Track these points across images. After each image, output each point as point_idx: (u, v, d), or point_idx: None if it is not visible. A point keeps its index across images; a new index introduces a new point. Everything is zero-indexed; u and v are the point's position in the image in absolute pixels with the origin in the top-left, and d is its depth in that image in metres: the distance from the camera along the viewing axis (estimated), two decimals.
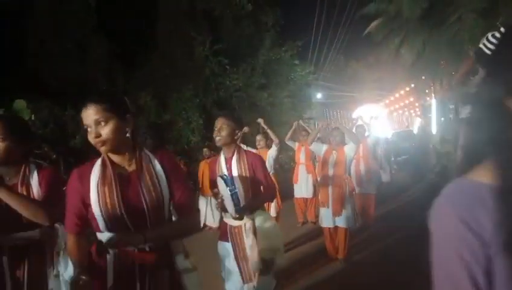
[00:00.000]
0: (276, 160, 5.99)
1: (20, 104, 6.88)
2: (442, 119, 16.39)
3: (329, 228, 5.10)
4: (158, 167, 1.73)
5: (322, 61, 26.10)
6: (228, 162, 2.86)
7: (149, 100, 9.87)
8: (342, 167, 5.00)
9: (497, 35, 1.91)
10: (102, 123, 1.60)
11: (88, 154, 2.04)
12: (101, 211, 1.63)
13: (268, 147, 5.84)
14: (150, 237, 1.62)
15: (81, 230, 1.72)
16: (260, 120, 6.02)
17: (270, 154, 5.67)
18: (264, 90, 13.11)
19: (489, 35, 1.95)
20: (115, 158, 1.71)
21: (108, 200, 1.63)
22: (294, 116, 13.42)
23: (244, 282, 2.73)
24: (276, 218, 5.43)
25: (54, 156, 6.73)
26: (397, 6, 14.25)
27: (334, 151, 5.06)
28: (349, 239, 5.19)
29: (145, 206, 1.65)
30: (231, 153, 2.85)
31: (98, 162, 1.72)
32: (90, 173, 1.69)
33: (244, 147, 5.56)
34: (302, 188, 7.03)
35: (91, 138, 1.61)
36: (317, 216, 6.66)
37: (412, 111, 30.07)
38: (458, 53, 10.91)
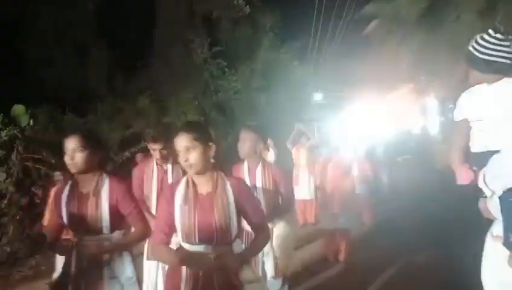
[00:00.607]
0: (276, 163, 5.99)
1: (19, 109, 6.86)
2: (443, 119, 16.37)
3: (331, 230, 5.10)
4: (230, 192, 2.02)
5: (321, 63, 26.09)
6: (251, 172, 3.02)
7: (148, 103, 9.86)
8: (341, 169, 5.00)
9: (486, 37, 1.90)
10: (191, 149, 1.95)
11: None
12: (181, 227, 1.98)
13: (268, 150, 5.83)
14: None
15: (168, 241, 2.05)
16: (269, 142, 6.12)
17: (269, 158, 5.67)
18: (263, 92, 13.09)
19: (478, 37, 1.94)
20: (197, 179, 2.05)
21: (186, 217, 1.97)
22: (293, 118, 13.39)
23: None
24: None
25: (53, 161, 6.74)
26: (396, 7, 14.25)
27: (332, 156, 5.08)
28: (350, 240, 5.19)
29: (214, 225, 1.95)
30: (255, 164, 3.02)
31: (184, 181, 2.06)
32: (176, 189, 2.05)
33: None
34: (304, 190, 7.00)
35: (181, 161, 1.98)
36: (317, 218, 6.65)
37: (411, 111, 30.05)
38: (457, 53, 10.89)
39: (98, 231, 2.29)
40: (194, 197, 2.00)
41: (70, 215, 2.28)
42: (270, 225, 2.79)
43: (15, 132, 6.51)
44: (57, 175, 4.79)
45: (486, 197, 1.93)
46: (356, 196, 6.28)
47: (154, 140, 3.13)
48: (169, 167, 3.20)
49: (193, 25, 12.44)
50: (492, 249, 1.87)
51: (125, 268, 2.29)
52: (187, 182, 2.04)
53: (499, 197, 1.80)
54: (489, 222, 1.97)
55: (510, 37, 1.90)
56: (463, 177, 2.04)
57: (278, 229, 2.94)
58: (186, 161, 1.95)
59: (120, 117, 9.47)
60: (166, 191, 2.13)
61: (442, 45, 12.25)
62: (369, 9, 16.90)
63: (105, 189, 2.30)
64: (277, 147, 5.89)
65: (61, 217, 2.32)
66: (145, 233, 2.39)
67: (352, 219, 5.13)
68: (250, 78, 12.57)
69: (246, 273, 1.99)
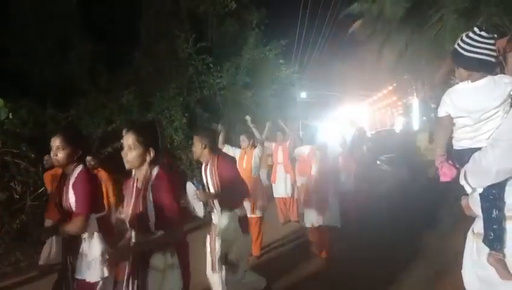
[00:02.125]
0: (263, 159, 5.98)
1: None
2: (424, 118, 16.65)
3: (313, 227, 5.13)
4: (149, 190, 2.29)
5: (307, 61, 26.22)
6: (204, 170, 3.55)
7: (132, 99, 9.72)
8: (325, 167, 5.03)
9: (471, 35, 1.93)
10: (132, 149, 2.29)
11: None
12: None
13: (254, 146, 5.81)
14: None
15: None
16: (248, 118, 6.08)
17: (256, 154, 5.64)
18: (248, 89, 13.06)
19: (464, 35, 1.97)
20: (136, 173, 2.41)
21: (124, 204, 2.44)
22: (278, 115, 13.42)
23: (212, 271, 3.35)
24: (261, 218, 5.41)
25: (33, 155, 6.60)
26: (380, 7, 14.39)
27: (317, 152, 5.10)
28: (332, 237, 5.23)
29: (135, 217, 2.31)
30: (205, 162, 3.56)
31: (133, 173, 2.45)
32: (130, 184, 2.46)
33: (227, 147, 5.55)
34: (281, 188, 7.05)
35: (123, 154, 2.33)
36: (299, 215, 6.69)
37: (394, 110, 30.47)
38: (439, 53, 11.07)
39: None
40: (132, 188, 2.40)
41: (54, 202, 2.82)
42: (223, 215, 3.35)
43: None
44: (46, 158, 4.99)
45: (468, 194, 1.96)
46: (339, 193, 6.34)
47: None
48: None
49: (178, 20, 12.32)
50: (473, 247, 1.90)
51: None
52: (133, 175, 2.44)
53: (479, 195, 1.82)
54: (471, 218, 2.00)
55: (495, 35, 1.93)
56: (445, 174, 2.07)
57: (222, 220, 3.36)
58: (125, 156, 2.31)
59: (103, 112, 9.32)
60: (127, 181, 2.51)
61: (425, 44, 12.43)
62: (354, 8, 17.02)
63: (72, 178, 2.67)
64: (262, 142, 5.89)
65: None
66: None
67: (336, 217, 5.17)
68: (235, 75, 12.52)
69: (155, 259, 2.24)
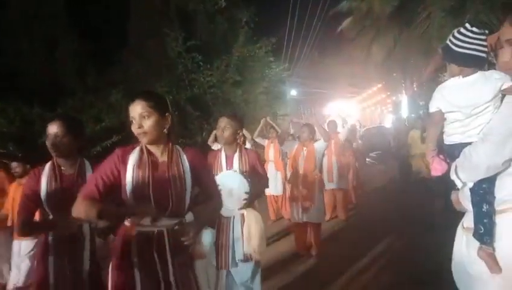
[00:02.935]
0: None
1: None
2: (413, 115, 16.78)
3: (299, 223, 5.14)
4: (186, 161, 2.02)
5: (296, 58, 26.25)
6: (229, 159, 3.12)
7: (120, 97, 9.64)
8: (311, 163, 5.04)
9: (463, 31, 1.94)
10: (146, 117, 1.91)
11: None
12: (133, 191, 1.92)
13: (244, 143, 5.77)
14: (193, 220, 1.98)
15: (96, 198, 1.92)
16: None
17: None
18: (238, 86, 13.03)
19: (455, 31, 1.99)
20: (152, 148, 2.01)
21: (140, 182, 1.92)
22: (268, 113, 13.42)
23: (218, 268, 3.02)
24: None
25: (20, 154, 6.50)
26: (369, 4, 14.47)
27: (304, 148, 5.10)
28: (320, 234, 5.25)
29: (169, 192, 1.93)
30: (232, 151, 3.14)
31: (138, 148, 2.01)
32: (129, 155, 1.99)
33: (216, 145, 5.56)
34: (271, 185, 7.01)
35: (134, 128, 1.92)
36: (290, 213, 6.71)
37: (384, 108, 30.68)
38: (427, 50, 11.17)
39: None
40: (149, 163, 1.96)
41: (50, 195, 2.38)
42: (240, 211, 3.01)
43: None
44: (14, 166, 4.53)
45: (458, 189, 1.98)
46: (328, 191, 6.37)
47: None
48: None
49: (168, 17, 12.25)
50: (462, 241, 1.91)
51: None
52: (141, 149, 2.01)
53: (470, 189, 1.84)
54: (459, 214, 2.02)
55: (486, 31, 1.95)
56: (436, 168, 2.09)
57: (249, 215, 3.02)
58: (139, 127, 1.91)
59: (91, 111, 9.23)
60: (116, 153, 2.01)
61: (413, 42, 12.52)
62: (344, 6, 17.09)
63: (90, 171, 2.48)
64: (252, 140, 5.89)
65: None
66: None
67: (321, 214, 5.18)
68: (225, 73, 12.48)
69: (198, 246, 2.12)
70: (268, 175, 6.94)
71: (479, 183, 1.78)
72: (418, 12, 11.64)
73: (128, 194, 1.93)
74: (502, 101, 1.81)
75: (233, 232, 3.00)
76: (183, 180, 1.98)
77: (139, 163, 1.97)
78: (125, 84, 10.10)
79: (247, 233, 2.96)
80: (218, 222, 3.03)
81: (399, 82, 19.28)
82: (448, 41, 2.01)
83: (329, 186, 6.42)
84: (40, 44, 10.21)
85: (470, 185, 1.84)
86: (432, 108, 2.09)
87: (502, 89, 1.81)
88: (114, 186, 1.96)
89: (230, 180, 2.96)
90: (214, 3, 13.15)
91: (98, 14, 11.49)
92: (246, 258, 2.98)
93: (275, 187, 6.99)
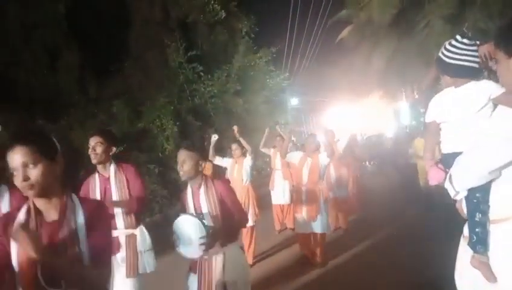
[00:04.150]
0: (253, 167, 5.95)
1: None
2: (414, 122, 16.79)
3: (304, 234, 5.12)
4: (81, 218, 1.61)
5: (297, 68, 26.38)
6: (195, 194, 2.75)
7: (122, 108, 9.69)
8: (316, 174, 5.04)
9: (454, 43, 1.97)
10: (31, 166, 1.52)
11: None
12: (19, 266, 1.52)
13: (245, 155, 5.76)
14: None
15: None
16: (234, 127, 5.84)
17: (246, 164, 5.63)
18: (239, 96, 13.11)
19: (447, 43, 2.02)
20: (41, 204, 1.61)
21: (25, 256, 1.47)
22: (270, 122, 13.45)
23: None
24: (253, 227, 5.41)
25: None
26: (368, 13, 14.55)
27: (308, 159, 5.11)
28: (325, 244, 5.23)
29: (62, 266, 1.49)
30: (197, 184, 2.75)
31: (23, 210, 1.61)
32: (12, 223, 1.57)
33: (218, 158, 5.56)
34: (279, 194, 6.96)
35: (18, 181, 1.52)
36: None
37: (384, 115, 30.68)
38: (427, 58, 11.21)
39: None
40: (37, 228, 1.57)
41: None
42: (221, 249, 2.63)
43: None
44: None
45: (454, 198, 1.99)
46: (331, 199, 6.36)
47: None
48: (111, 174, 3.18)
49: (168, 28, 12.35)
50: (463, 250, 1.91)
51: None
52: (28, 210, 1.61)
53: (464, 198, 1.85)
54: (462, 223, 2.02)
55: (477, 41, 1.97)
56: (433, 177, 2.10)
57: (230, 253, 2.70)
58: (25, 180, 1.51)
59: (93, 122, 9.27)
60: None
61: (413, 49, 12.58)
62: (343, 15, 17.20)
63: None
64: (253, 152, 5.85)
65: None
66: None
67: (326, 224, 5.16)
68: (226, 83, 12.56)
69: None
70: (276, 184, 6.97)
71: (472, 192, 1.78)
72: (417, 21, 11.73)
73: (16, 269, 1.54)
74: (493, 110, 1.83)
75: (213, 275, 2.65)
76: (76, 246, 1.57)
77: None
78: (126, 95, 10.17)
79: (231, 279, 2.63)
80: (199, 266, 2.68)
81: (399, 90, 19.33)
82: (440, 53, 2.04)
83: (329, 195, 6.41)
84: (41, 55, 10.27)
85: (464, 193, 1.84)
86: (428, 119, 2.14)
87: (492, 98, 1.83)
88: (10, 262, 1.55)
89: (186, 226, 2.54)
90: (214, 14, 13.28)
91: (98, 25, 11.57)
92: None
93: (282, 196, 6.90)
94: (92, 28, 11.27)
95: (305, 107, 31.03)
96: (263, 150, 6.94)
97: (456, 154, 1.87)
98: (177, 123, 10.68)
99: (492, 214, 1.72)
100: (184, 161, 2.67)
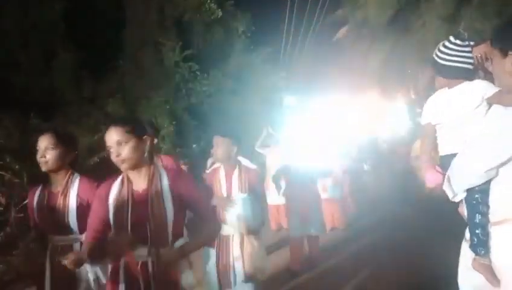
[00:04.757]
0: None
1: None
2: (410, 123, 16.80)
3: (297, 236, 5.07)
4: (166, 185, 1.92)
5: (294, 67, 26.36)
6: (228, 177, 3.00)
7: (117, 107, 9.63)
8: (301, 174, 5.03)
9: (447, 44, 1.97)
10: (123, 144, 1.86)
11: None
12: (114, 226, 1.93)
13: None
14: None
15: (99, 240, 1.97)
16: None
17: None
18: (236, 95, 13.06)
19: (440, 45, 2.03)
20: (132, 175, 1.95)
21: (119, 216, 1.90)
22: (266, 121, 13.41)
23: (223, 287, 2.93)
24: None
25: (17, 166, 6.48)
26: (365, 13, 14.56)
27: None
28: (320, 246, 5.22)
29: (147, 223, 1.86)
30: (231, 168, 3.02)
31: (118, 180, 1.99)
32: (109, 191, 1.97)
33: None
34: (275, 195, 6.89)
35: (113, 157, 1.87)
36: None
37: (381, 115, 30.70)
38: (423, 58, 11.22)
39: (66, 231, 2.30)
40: (128, 195, 1.91)
41: (40, 214, 2.34)
42: (242, 230, 2.87)
43: None
44: None
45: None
46: (326, 201, 6.34)
47: None
48: None
49: (164, 27, 12.29)
50: (465, 252, 1.90)
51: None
52: (122, 180, 1.97)
53: (464, 199, 1.84)
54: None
55: (471, 42, 1.99)
56: (430, 179, 2.10)
57: (250, 235, 2.92)
58: (117, 156, 1.85)
59: (88, 121, 9.21)
60: (100, 189, 2.03)
61: (409, 50, 12.60)
62: (340, 14, 17.20)
63: (75, 188, 2.33)
64: (249, 151, 5.84)
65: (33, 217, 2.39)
66: None
67: (318, 223, 5.12)
68: (222, 82, 12.52)
69: (185, 277, 1.88)
70: (271, 184, 6.91)
71: (471, 194, 1.77)
72: (414, 21, 11.74)
73: (112, 229, 1.95)
74: (488, 110, 1.83)
75: (233, 252, 2.91)
76: (163, 209, 1.88)
77: (119, 196, 1.94)
78: (122, 93, 10.10)
79: (248, 253, 2.87)
80: (218, 242, 2.94)
81: (395, 89, 19.34)
82: (434, 55, 2.08)
83: (323, 196, 6.37)
84: (37, 54, 10.20)
85: (462, 195, 1.83)
86: (423, 121, 2.15)
87: (485, 98, 1.84)
88: (109, 223, 1.96)
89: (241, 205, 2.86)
90: (210, 13, 13.21)
91: (94, 24, 11.51)
92: (247, 278, 2.89)
93: (277, 196, 6.84)
94: (87, 28, 11.21)
95: (302, 107, 31.00)
96: (259, 149, 6.92)
97: (452, 156, 1.87)
98: (173, 122, 10.63)
99: (493, 216, 1.71)
100: (218, 145, 2.97)
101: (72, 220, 2.26)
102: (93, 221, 1.98)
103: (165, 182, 1.92)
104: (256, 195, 3.00)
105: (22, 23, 9.95)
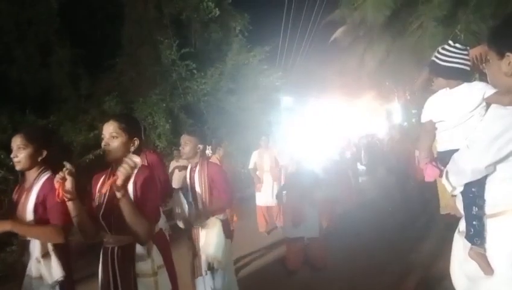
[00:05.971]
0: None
1: None
2: (405, 123, 16.90)
3: (292, 238, 5.04)
4: (131, 183, 2.04)
5: (290, 67, 26.41)
6: (192, 172, 3.28)
7: (114, 105, 9.63)
8: (298, 177, 5.03)
9: (447, 47, 2.14)
10: (114, 137, 2.08)
11: None
12: (95, 211, 2.12)
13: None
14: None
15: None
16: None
17: None
18: (232, 94, 13.09)
19: (440, 48, 2.18)
20: (116, 169, 1.98)
21: (97, 203, 2.15)
22: (263, 121, 13.44)
23: (196, 275, 3.13)
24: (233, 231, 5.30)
25: (12, 163, 6.45)
26: (361, 14, 14.58)
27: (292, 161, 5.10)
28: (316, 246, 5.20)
29: (111, 211, 2.03)
30: (194, 164, 3.28)
31: (104, 173, 2.22)
32: (98, 181, 2.23)
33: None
34: (267, 196, 6.81)
35: (102, 145, 2.09)
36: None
37: (376, 116, 30.82)
38: (420, 59, 11.25)
39: None
40: (107, 187, 2.00)
41: (10, 210, 2.41)
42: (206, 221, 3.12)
43: None
44: None
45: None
46: (321, 201, 6.33)
47: None
48: None
49: (162, 25, 12.28)
50: (458, 245, 1.97)
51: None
52: (106, 173, 2.22)
53: (461, 193, 1.91)
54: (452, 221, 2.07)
55: (468, 47, 2.14)
56: (429, 174, 2.19)
57: (209, 225, 3.11)
58: (105, 145, 2.08)
59: (84, 118, 9.20)
60: (96, 177, 2.27)
61: (406, 51, 12.64)
62: (337, 15, 17.20)
63: (38, 185, 2.30)
64: (245, 150, 5.86)
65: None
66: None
67: (312, 226, 5.09)
68: (219, 81, 12.53)
69: (142, 265, 2.08)
70: (264, 185, 6.86)
71: (468, 187, 1.86)
72: (411, 22, 11.77)
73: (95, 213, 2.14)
74: (486, 109, 1.91)
75: (198, 243, 3.13)
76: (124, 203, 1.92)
77: (101, 186, 2.18)
78: (118, 91, 10.10)
79: (205, 243, 3.06)
80: (191, 232, 3.20)
81: (392, 90, 19.43)
82: (434, 58, 2.20)
83: (319, 196, 6.34)
84: (33, 51, 10.17)
85: (460, 189, 1.92)
86: (424, 118, 2.25)
87: (484, 98, 1.96)
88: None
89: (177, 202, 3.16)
90: (208, 12, 13.23)
91: (91, 21, 11.48)
92: (209, 267, 3.07)
93: (271, 197, 6.70)
94: (84, 25, 11.19)
95: (299, 107, 31.05)
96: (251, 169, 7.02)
97: (451, 152, 1.96)
98: (170, 120, 10.64)
99: (488, 209, 1.80)
100: (184, 144, 3.24)
101: (29, 215, 2.26)
102: (91, 201, 2.20)
103: (132, 179, 2.02)
104: (218, 188, 3.22)
105: (19, 19, 9.91)
